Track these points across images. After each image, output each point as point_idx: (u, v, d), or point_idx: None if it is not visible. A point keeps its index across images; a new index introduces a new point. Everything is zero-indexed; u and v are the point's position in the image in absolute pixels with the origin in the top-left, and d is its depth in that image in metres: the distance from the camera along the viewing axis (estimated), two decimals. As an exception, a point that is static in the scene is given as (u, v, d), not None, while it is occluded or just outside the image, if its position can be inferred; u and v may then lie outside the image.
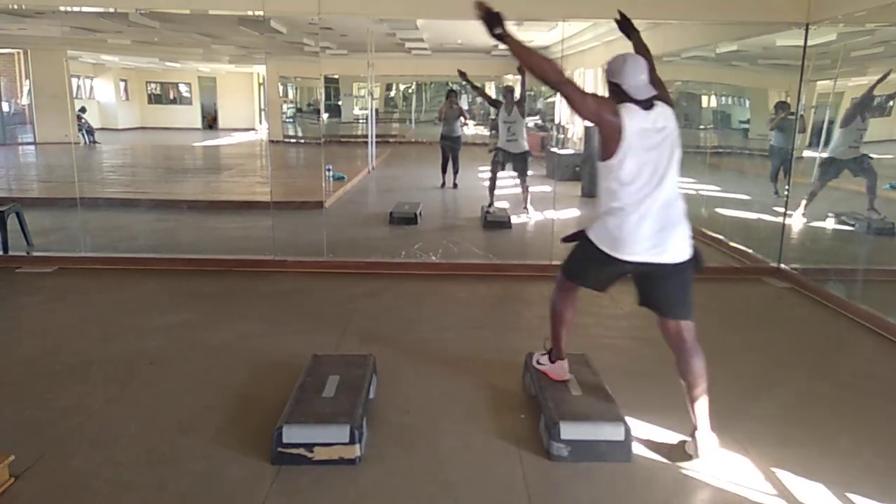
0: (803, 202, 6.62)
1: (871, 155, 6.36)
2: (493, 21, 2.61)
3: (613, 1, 5.80)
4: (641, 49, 3.08)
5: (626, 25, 3.28)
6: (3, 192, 10.26)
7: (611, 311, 4.80)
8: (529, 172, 8.30)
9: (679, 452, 2.84)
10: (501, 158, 8.19)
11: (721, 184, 8.82)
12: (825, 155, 6.62)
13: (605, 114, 2.67)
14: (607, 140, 2.70)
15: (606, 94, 2.78)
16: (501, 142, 8.23)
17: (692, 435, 2.81)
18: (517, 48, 2.63)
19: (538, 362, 3.34)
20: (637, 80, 2.72)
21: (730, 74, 8.72)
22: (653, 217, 2.72)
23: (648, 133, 2.69)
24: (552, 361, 3.27)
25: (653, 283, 2.85)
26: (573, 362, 3.39)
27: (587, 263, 2.97)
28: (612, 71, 2.76)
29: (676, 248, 2.76)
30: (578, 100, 2.64)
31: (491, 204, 8.20)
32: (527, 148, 8.21)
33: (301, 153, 17.32)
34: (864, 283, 5.31)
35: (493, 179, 8.29)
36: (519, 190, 8.40)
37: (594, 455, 2.77)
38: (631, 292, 5.17)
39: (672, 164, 2.73)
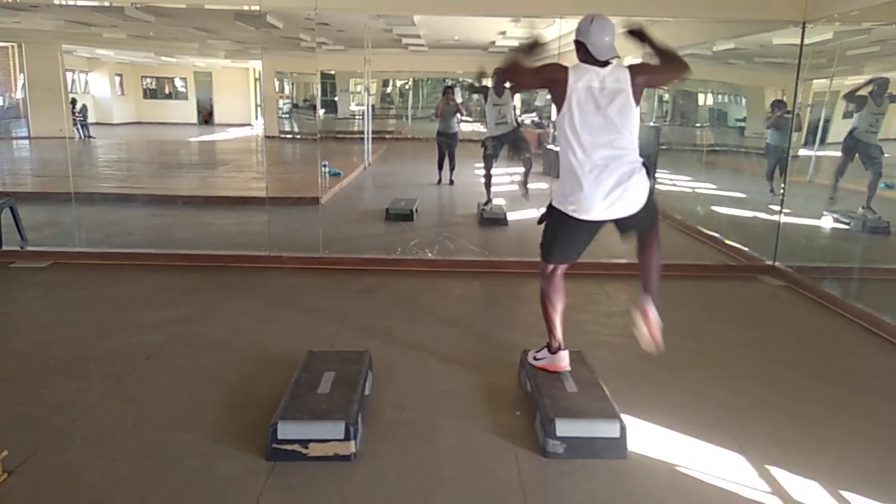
0: (833, 184, 6.59)
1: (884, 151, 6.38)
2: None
3: (611, -2, 5.80)
4: (663, 55, 3.02)
5: (637, 36, 3.21)
6: (-2, 187, 10.22)
7: (606, 309, 4.81)
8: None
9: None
10: (492, 150, 7.98)
11: (717, 182, 8.84)
12: (849, 130, 6.55)
13: (546, 74, 2.87)
14: (556, 100, 2.86)
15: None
16: (490, 128, 8.00)
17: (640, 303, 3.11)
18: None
19: (535, 359, 3.34)
20: (600, 39, 2.87)
21: (726, 72, 8.73)
22: (608, 173, 2.83)
23: (595, 91, 2.82)
24: (552, 352, 3.29)
25: (628, 222, 3.04)
26: (570, 359, 3.39)
27: (557, 234, 3.08)
28: (579, 29, 2.94)
29: (634, 199, 2.90)
30: (519, 74, 2.91)
31: (489, 201, 8.16)
32: (517, 125, 8.03)
33: (297, 149, 17.27)
34: (860, 281, 5.34)
35: (488, 175, 8.17)
36: (517, 189, 8.36)
37: (590, 452, 2.77)
38: (626, 290, 5.21)
39: (625, 123, 2.84)
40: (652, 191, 3.00)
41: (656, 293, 3.16)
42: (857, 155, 6.52)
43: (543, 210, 3.18)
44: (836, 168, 6.69)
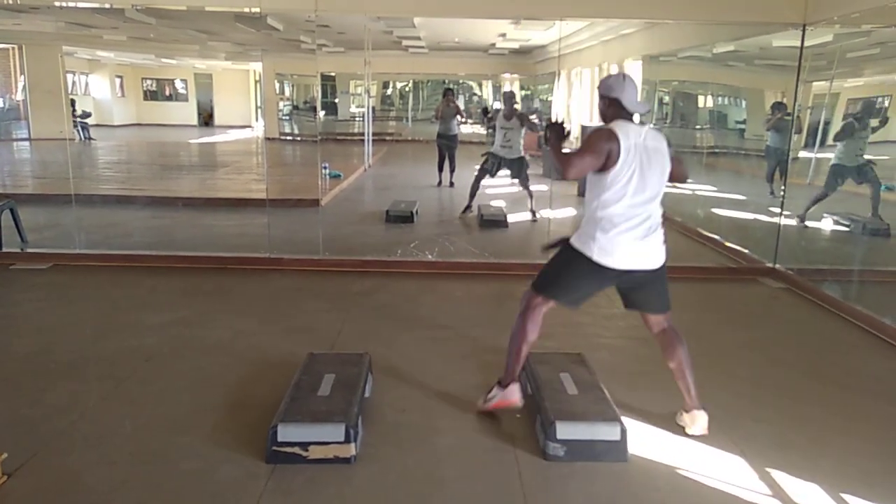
0: (808, 205, 6.62)
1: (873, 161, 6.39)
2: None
3: (610, 0, 5.82)
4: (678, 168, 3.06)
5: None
6: (-2, 189, 10.22)
7: (607, 311, 4.80)
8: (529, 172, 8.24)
9: (671, 422, 3.06)
10: (490, 166, 8.07)
11: (717, 184, 8.84)
12: (833, 162, 6.62)
13: (602, 147, 2.77)
14: (607, 159, 2.79)
15: (601, 107, 2.99)
16: (495, 147, 8.10)
17: (685, 410, 3.05)
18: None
19: (485, 401, 3.13)
20: (635, 96, 2.89)
21: (726, 75, 8.74)
22: (641, 228, 2.85)
23: (640, 149, 2.81)
24: (504, 387, 3.09)
25: (641, 286, 2.99)
26: (570, 361, 3.39)
27: (569, 275, 2.97)
28: (613, 87, 2.89)
29: (658, 254, 2.91)
30: (582, 163, 2.80)
31: (468, 207, 8.19)
32: (522, 154, 8.07)
33: (297, 151, 17.28)
34: (860, 283, 5.33)
35: (476, 182, 8.21)
36: (517, 189, 8.38)
37: (590, 455, 2.77)
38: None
39: (662, 181, 2.89)
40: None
41: (697, 393, 3.06)
42: (845, 180, 6.58)
43: (557, 238, 3.13)
44: (817, 195, 6.72)
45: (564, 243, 3.02)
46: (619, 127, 2.81)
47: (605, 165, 2.78)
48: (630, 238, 2.84)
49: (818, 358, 4.07)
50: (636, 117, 2.95)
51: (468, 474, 2.69)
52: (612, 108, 2.89)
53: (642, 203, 2.84)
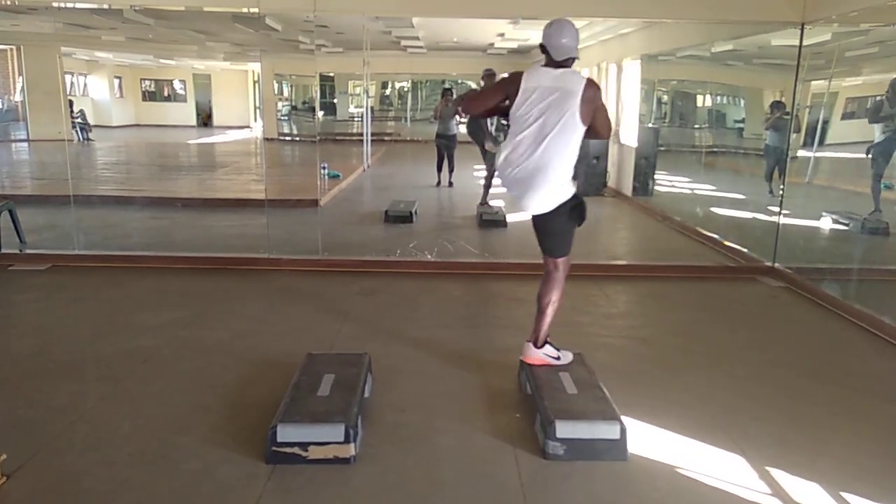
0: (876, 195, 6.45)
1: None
2: None
3: (609, -1, 5.81)
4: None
5: None
6: (-4, 190, 10.20)
7: (606, 311, 4.80)
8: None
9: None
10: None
11: (716, 183, 8.84)
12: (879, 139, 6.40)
13: (500, 86, 3.11)
14: (507, 98, 3.06)
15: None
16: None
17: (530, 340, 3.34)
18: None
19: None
20: (558, 41, 3.00)
21: (725, 74, 8.73)
22: (520, 168, 3.04)
23: (542, 91, 2.95)
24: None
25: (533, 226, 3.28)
26: (570, 361, 3.40)
27: None
28: (543, 34, 3.07)
29: (535, 204, 3.10)
30: (478, 99, 3.36)
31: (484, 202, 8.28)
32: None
33: (296, 151, 17.28)
34: (859, 282, 5.33)
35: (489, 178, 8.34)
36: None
37: (590, 454, 2.77)
38: (624, 291, 5.21)
39: (555, 128, 2.95)
40: (565, 211, 3.12)
41: (537, 338, 3.36)
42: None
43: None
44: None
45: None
46: (530, 70, 3.00)
47: (509, 105, 2.98)
48: (512, 177, 3.06)
49: (817, 357, 4.07)
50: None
51: (468, 474, 2.69)
52: (544, 54, 3.06)
53: (529, 144, 2.98)
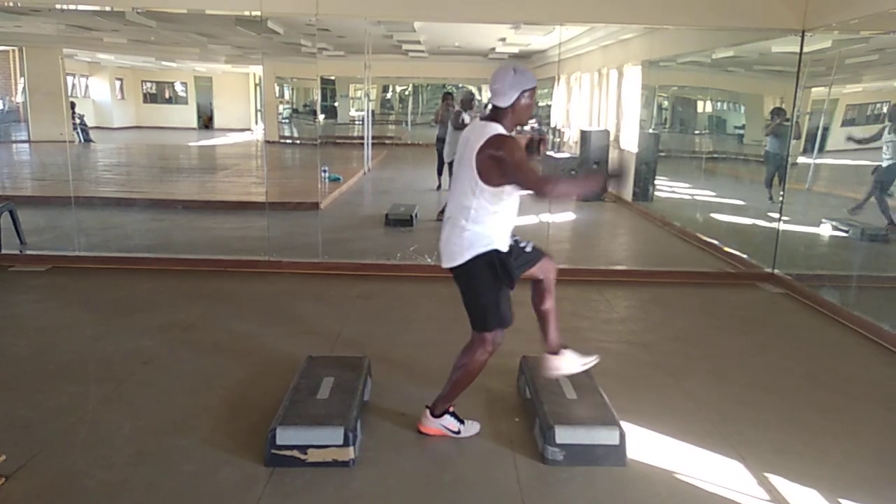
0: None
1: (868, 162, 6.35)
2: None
3: (610, 5, 5.84)
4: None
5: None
6: (-3, 190, 10.21)
7: (606, 316, 4.81)
8: None
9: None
10: None
11: (716, 189, 8.85)
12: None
13: None
14: None
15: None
16: None
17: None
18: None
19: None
20: (495, 85, 2.74)
21: (726, 80, 8.75)
22: (446, 225, 2.94)
23: (463, 141, 2.82)
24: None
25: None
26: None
27: None
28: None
29: (446, 251, 2.95)
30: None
31: None
32: None
33: (297, 154, 17.29)
34: (858, 289, 5.34)
35: None
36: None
37: (589, 459, 2.77)
38: (625, 297, 5.21)
39: (461, 176, 2.79)
40: (473, 264, 2.84)
41: (440, 400, 3.01)
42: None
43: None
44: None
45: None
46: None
47: None
48: (442, 232, 2.96)
49: (817, 363, 4.07)
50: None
51: (467, 478, 2.69)
52: None
53: (454, 199, 2.87)
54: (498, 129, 2.69)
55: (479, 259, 2.80)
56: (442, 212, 8.10)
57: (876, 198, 6.27)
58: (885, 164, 6.17)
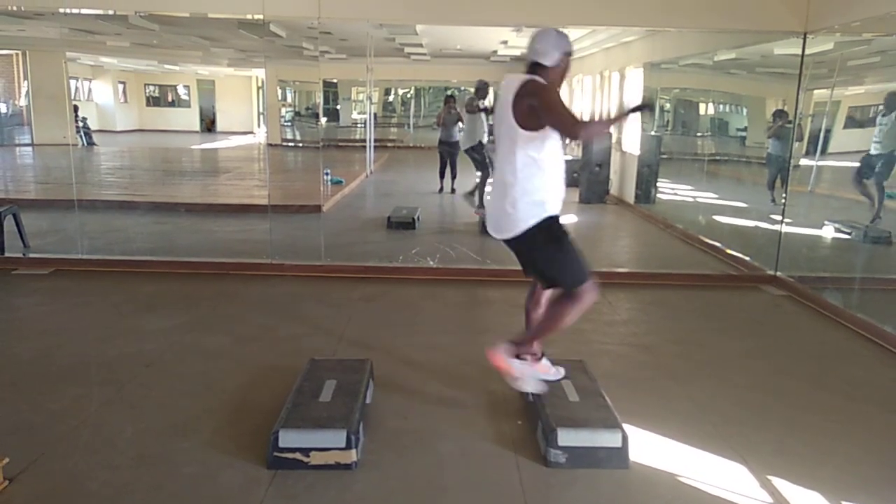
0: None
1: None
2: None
3: (612, 8, 5.85)
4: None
5: None
6: (0, 194, 10.24)
7: (608, 318, 4.80)
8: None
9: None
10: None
11: (718, 191, 8.84)
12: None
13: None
14: None
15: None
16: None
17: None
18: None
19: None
20: (529, 45, 2.80)
21: (728, 82, 8.75)
22: (495, 190, 2.87)
23: (499, 102, 2.79)
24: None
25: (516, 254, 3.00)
26: (571, 368, 3.39)
27: None
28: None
29: (504, 228, 2.86)
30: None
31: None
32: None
33: (299, 157, 17.31)
34: (861, 291, 5.33)
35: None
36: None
37: (591, 462, 2.77)
38: (627, 299, 5.20)
39: (502, 134, 2.76)
40: (539, 230, 2.79)
41: (523, 341, 3.01)
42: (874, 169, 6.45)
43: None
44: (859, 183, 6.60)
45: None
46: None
47: None
48: (494, 202, 2.88)
49: (819, 366, 4.06)
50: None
51: (469, 481, 2.69)
52: None
53: (499, 161, 2.80)
54: (533, 77, 2.73)
55: (535, 228, 2.79)
56: (480, 205, 8.37)
57: (860, 191, 6.30)
58: (874, 150, 6.21)
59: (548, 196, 2.79)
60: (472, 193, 8.77)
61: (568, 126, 2.66)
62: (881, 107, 6.13)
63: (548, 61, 2.77)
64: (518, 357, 3.00)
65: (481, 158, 8.58)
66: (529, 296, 3.23)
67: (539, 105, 2.65)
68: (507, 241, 2.87)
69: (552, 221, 2.81)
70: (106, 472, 2.66)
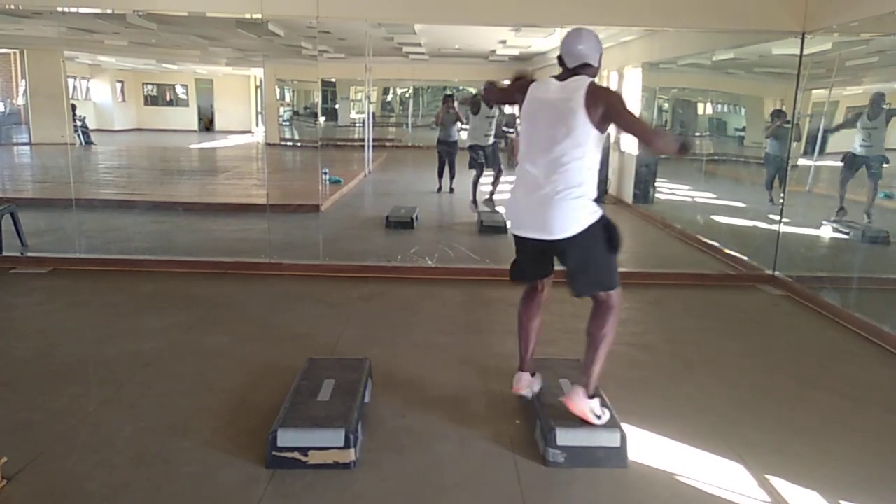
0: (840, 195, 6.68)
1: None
2: None
3: (611, 8, 5.85)
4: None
5: None
6: (-2, 193, 10.23)
7: (606, 317, 4.80)
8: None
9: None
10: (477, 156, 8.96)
11: (716, 191, 8.86)
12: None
13: (515, 89, 2.92)
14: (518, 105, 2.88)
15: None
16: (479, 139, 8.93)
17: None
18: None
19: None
20: (574, 47, 2.78)
21: (726, 82, 8.76)
22: (530, 189, 2.76)
23: (545, 103, 2.74)
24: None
25: (557, 256, 2.89)
26: (570, 367, 3.40)
27: (516, 250, 3.02)
28: (561, 43, 2.86)
29: (556, 226, 2.73)
30: (496, 89, 3.02)
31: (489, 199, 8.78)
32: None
33: (297, 156, 17.30)
34: (859, 291, 5.34)
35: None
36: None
37: (590, 461, 2.77)
38: (625, 298, 5.18)
39: (556, 139, 2.70)
40: (597, 228, 2.76)
41: (591, 377, 2.88)
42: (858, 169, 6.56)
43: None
44: (840, 179, 6.75)
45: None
46: (540, 80, 2.83)
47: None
48: (524, 202, 2.79)
49: (817, 365, 4.07)
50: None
51: (468, 480, 2.69)
52: (561, 66, 2.85)
53: (534, 162, 2.75)
54: (592, 80, 2.74)
55: (595, 226, 2.76)
56: (489, 199, 8.48)
57: (842, 188, 6.38)
58: (860, 149, 6.29)
59: (595, 195, 2.85)
60: (491, 199, 8.82)
61: (650, 133, 2.82)
62: (867, 108, 6.21)
63: (594, 62, 2.81)
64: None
65: (497, 157, 8.85)
66: (526, 305, 3.11)
67: (618, 110, 2.69)
68: (555, 242, 2.76)
69: (608, 219, 2.82)
70: (104, 471, 2.66)
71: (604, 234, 2.78)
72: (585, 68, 2.80)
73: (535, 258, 2.94)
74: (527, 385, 3.15)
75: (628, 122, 2.76)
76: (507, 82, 3.11)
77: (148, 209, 8.96)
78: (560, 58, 2.83)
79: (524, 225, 2.84)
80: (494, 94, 3.23)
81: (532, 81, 2.92)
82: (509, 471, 2.74)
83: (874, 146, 6.32)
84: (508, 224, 2.83)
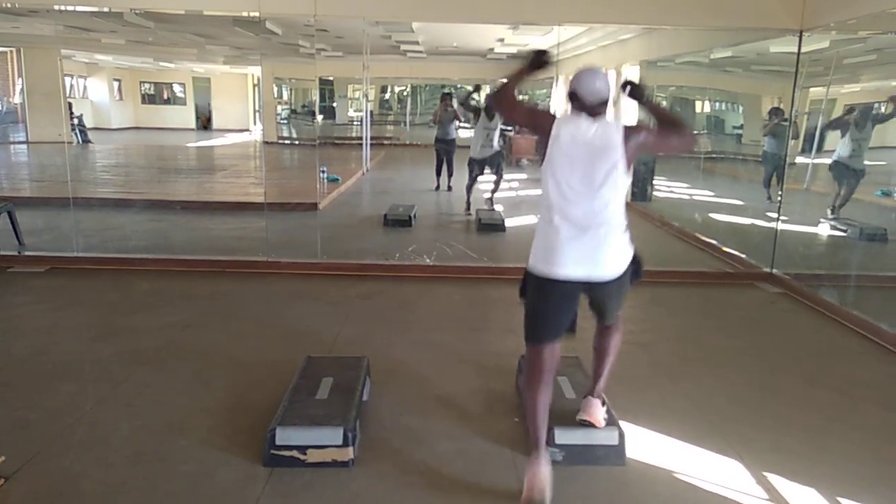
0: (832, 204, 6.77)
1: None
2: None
3: (608, 6, 5.85)
4: (662, 119, 2.82)
5: (633, 93, 2.99)
6: (-5, 191, 10.20)
7: (604, 315, 4.80)
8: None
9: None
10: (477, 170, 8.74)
11: (714, 189, 8.87)
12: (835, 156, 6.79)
13: (535, 119, 2.79)
14: (541, 146, 2.73)
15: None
16: (475, 151, 8.67)
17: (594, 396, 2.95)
18: None
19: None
20: (591, 85, 2.70)
21: (724, 80, 8.77)
22: (577, 228, 2.60)
23: (582, 141, 2.61)
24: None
25: (595, 295, 2.77)
26: (567, 365, 3.39)
27: (537, 301, 2.69)
28: (570, 81, 2.78)
29: (606, 263, 2.62)
30: (510, 109, 2.83)
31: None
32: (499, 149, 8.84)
33: (295, 154, 17.29)
34: (857, 288, 5.35)
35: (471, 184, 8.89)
36: (514, 193, 8.51)
37: (588, 459, 2.77)
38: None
39: (606, 180, 2.59)
40: (635, 264, 2.74)
41: (601, 386, 2.94)
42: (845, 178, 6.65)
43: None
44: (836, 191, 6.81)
45: (525, 272, 2.78)
46: (566, 116, 2.72)
47: (543, 155, 2.69)
48: (570, 241, 2.59)
49: (815, 363, 4.07)
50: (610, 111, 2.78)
51: (466, 478, 2.69)
52: (571, 100, 2.74)
53: (581, 201, 2.60)
54: (616, 119, 2.74)
55: (633, 262, 2.74)
56: (489, 200, 8.36)
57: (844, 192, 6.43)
58: (848, 160, 6.47)
59: None
60: (490, 200, 8.80)
61: (689, 137, 2.84)
62: (855, 117, 6.26)
63: (610, 98, 2.79)
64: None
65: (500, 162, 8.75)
66: (541, 389, 2.71)
67: (651, 135, 2.72)
68: (603, 283, 2.65)
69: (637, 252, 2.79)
70: (101, 470, 2.65)
71: (632, 266, 2.74)
72: (604, 106, 2.73)
73: (565, 304, 2.68)
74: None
75: (668, 140, 2.78)
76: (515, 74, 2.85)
77: (145, 208, 8.94)
78: (573, 95, 2.71)
79: (566, 264, 2.59)
80: (507, 105, 2.85)
81: (550, 114, 2.77)
82: (508, 469, 2.74)
83: (861, 157, 6.40)
84: (539, 266, 2.62)
